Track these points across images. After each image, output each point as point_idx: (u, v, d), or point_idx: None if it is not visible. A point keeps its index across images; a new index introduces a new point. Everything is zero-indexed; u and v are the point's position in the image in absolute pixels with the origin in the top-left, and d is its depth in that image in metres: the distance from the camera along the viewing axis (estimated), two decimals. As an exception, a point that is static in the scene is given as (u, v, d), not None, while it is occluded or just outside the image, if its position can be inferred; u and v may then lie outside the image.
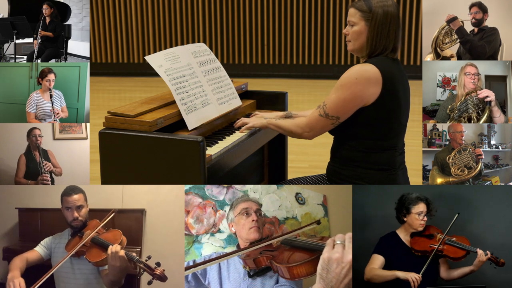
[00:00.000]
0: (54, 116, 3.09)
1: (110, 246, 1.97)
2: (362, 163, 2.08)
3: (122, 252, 1.95)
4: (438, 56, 3.10)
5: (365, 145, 2.06)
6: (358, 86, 1.97)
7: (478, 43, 2.98)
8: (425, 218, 2.15)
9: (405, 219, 2.17)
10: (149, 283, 1.92)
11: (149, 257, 1.95)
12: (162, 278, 1.91)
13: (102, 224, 2.10)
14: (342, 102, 2.00)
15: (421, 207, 2.15)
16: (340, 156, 2.14)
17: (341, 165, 2.13)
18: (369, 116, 2.02)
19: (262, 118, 2.39)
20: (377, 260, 2.12)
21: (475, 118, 2.92)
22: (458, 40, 3.04)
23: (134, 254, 1.98)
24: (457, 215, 2.12)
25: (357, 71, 1.99)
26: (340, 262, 1.30)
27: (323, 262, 1.32)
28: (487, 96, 2.90)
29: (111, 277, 1.98)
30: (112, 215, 2.13)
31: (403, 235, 2.18)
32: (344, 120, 2.04)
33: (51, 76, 3.09)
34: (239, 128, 2.46)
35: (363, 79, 1.97)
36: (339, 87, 2.01)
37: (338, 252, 1.32)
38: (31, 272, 2.26)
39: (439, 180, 2.89)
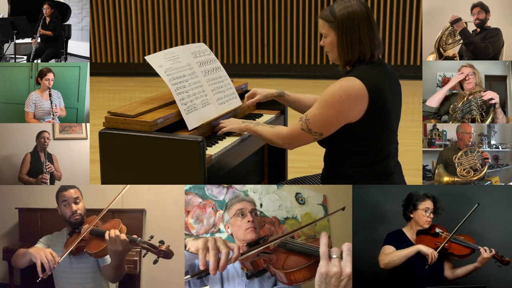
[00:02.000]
0: (54, 115, 3.10)
1: (108, 231, 1.92)
2: (356, 178, 2.04)
3: (123, 236, 1.90)
4: (441, 56, 3.10)
5: (357, 161, 2.02)
6: (342, 104, 1.90)
7: (482, 44, 2.97)
8: (431, 216, 2.16)
9: (411, 215, 2.19)
10: (155, 262, 1.87)
11: (151, 237, 1.91)
12: (168, 254, 1.85)
13: (101, 216, 2.06)
14: (325, 119, 1.94)
15: (428, 203, 2.16)
16: (332, 170, 2.11)
17: (336, 178, 2.10)
18: (357, 133, 1.97)
19: (240, 121, 2.33)
20: (390, 249, 2.14)
21: (479, 119, 2.92)
22: (462, 41, 3.04)
23: (135, 236, 1.93)
24: (467, 215, 2.14)
25: (341, 88, 1.92)
26: (339, 277, 1.29)
27: (321, 276, 1.32)
28: (491, 99, 2.89)
29: (114, 262, 1.93)
30: (108, 207, 2.10)
31: (409, 233, 2.19)
32: (333, 136, 1.99)
33: (50, 75, 3.10)
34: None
35: (348, 97, 1.90)
36: (323, 104, 1.94)
37: (336, 267, 1.30)
38: (30, 272, 2.25)
39: (446, 179, 2.90)
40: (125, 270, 2.01)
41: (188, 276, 1.62)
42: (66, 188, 2.14)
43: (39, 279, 1.90)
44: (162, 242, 1.89)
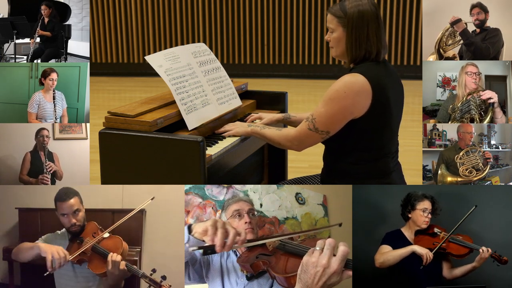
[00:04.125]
0: (56, 118, 3.10)
1: (110, 254, 1.98)
2: (355, 175, 2.05)
3: (122, 265, 1.96)
4: (441, 57, 3.10)
5: (357, 157, 2.03)
6: (347, 100, 1.92)
7: (482, 44, 2.97)
8: (429, 216, 2.16)
9: (409, 215, 2.19)
10: None
11: (154, 271, 1.94)
12: None
13: (105, 233, 2.09)
14: (332, 117, 1.95)
15: (426, 204, 2.17)
16: (332, 168, 2.12)
17: (334, 176, 2.11)
18: (360, 129, 1.98)
19: (246, 125, 2.32)
20: (386, 249, 2.15)
21: (477, 119, 2.92)
22: (462, 42, 3.03)
23: (135, 267, 1.98)
24: (464, 217, 2.14)
25: (345, 83, 1.93)
26: (315, 266, 1.39)
27: (302, 265, 1.43)
28: (490, 98, 2.89)
29: (110, 281, 1.99)
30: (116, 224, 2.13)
31: (408, 233, 2.20)
32: (335, 133, 2.00)
33: (54, 75, 3.09)
34: None
35: (352, 92, 1.91)
36: (328, 101, 1.95)
37: (314, 257, 1.40)
38: (30, 272, 2.25)
39: (450, 179, 2.90)
40: (121, 287, 2.05)
41: (194, 247, 1.64)
42: (64, 198, 2.11)
43: (47, 273, 1.94)
44: (164, 277, 1.93)
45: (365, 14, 1.95)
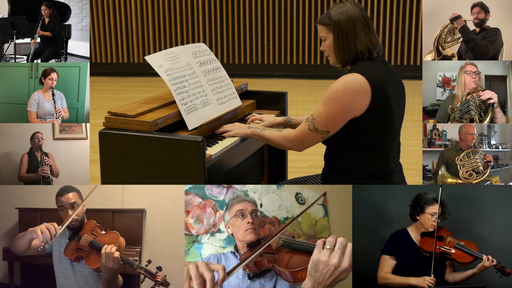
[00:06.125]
0: (56, 115, 3.10)
1: (104, 246, 1.98)
2: (356, 175, 2.05)
3: (116, 254, 1.95)
4: (439, 54, 3.09)
5: (357, 157, 2.03)
6: (346, 99, 1.93)
7: (482, 42, 2.97)
8: (438, 220, 2.15)
9: (418, 217, 2.18)
10: None
11: (149, 262, 1.94)
12: (164, 284, 1.90)
13: (103, 230, 2.09)
14: (331, 117, 1.96)
15: (435, 208, 2.15)
16: (333, 167, 2.12)
17: (335, 175, 2.11)
18: (360, 128, 1.98)
19: (245, 127, 2.32)
20: (389, 263, 2.14)
21: (477, 119, 2.91)
22: (461, 39, 3.03)
23: (131, 259, 1.98)
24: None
25: (344, 83, 1.94)
26: (326, 265, 1.42)
27: (312, 263, 1.45)
28: (490, 98, 2.88)
29: (104, 276, 1.99)
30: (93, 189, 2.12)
31: (414, 234, 2.19)
32: (336, 132, 2.01)
33: (54, 75, 3.10)
34: None
35: (351, 91, 1.92)
36: (327, 101, 1.96)
37: (325, 256, 1.43)
38: (31, 273, 2.26)
39: (450, 181, 2.89)
40: (119, 285, 2.04)
41: None
42: (63, 192, 2.15)
43: (41, 248, 1.98)
44: (159, 268, 1.93)
45: (349, 15, 1.99)
